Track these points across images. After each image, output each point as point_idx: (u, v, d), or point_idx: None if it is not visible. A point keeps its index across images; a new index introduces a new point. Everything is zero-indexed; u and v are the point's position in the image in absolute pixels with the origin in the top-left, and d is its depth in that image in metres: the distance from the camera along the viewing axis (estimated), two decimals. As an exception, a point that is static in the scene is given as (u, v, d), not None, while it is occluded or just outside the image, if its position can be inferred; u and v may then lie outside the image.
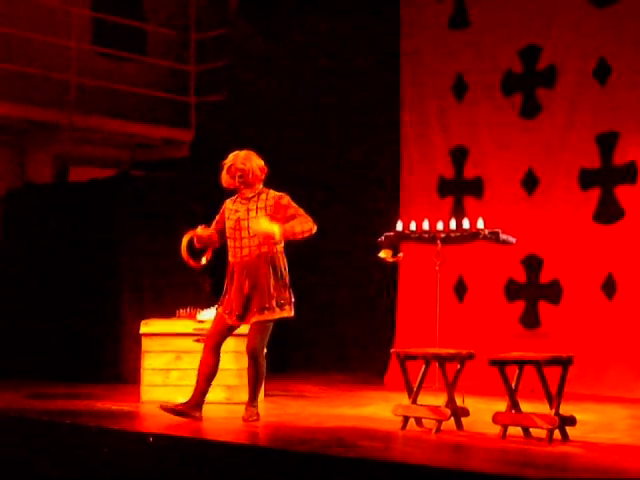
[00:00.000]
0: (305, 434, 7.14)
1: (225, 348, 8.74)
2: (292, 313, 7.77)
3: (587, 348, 9.64)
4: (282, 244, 7.78)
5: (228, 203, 7.97)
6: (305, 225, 7.66)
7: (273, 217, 7.68)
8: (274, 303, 7.66)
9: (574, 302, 10.04)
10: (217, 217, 8.02)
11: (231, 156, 7.88)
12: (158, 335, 9.01)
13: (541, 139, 10.33)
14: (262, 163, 7.88)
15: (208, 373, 7.81)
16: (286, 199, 7.79)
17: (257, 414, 7.72)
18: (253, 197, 7.81)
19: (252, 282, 7.69)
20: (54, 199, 11.78)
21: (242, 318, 7.76)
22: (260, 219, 7.65)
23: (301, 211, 7.74)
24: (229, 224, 7.84)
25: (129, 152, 13.99)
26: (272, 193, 7.84)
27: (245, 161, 7.81)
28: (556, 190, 10.22)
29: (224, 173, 7.85)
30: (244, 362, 8.00)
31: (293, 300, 7.78)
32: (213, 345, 7.82)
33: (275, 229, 7.57)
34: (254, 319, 7.69)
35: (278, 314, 7.69)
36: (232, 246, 7.82)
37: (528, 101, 10.45)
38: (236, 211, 7.84)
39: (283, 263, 7.77)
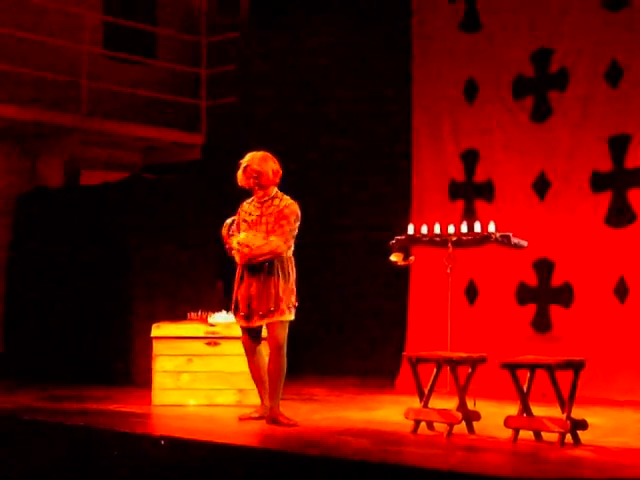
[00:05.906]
0: (316, 437, 7.14)
1: (236, 351, 8.78)
2: (292, 317, 7.84)
3: (599, 352, 9.61)
4: (291, 250, 7.82)
5: (244, 205, 8.01)
6: (265, 247, 7.68)
7: (277, 221, 7.77)
8: (283, 305, 7.73)
9: (586, 305, 10.01)
10: (236, 219, 8.02)
11: (248, 156, 7.92)
12: (169, 338, 9.03)
13: (552, 142, 10.30)
14: (277, 166, 7.93)
15: (255, 377, 8.01)
16: (289, 210, 7.79)
17: (274, 415, 7.72)
18: (266, 201, 7.87)
19: (259, 284, 7.74)
20: (65, 203, 11.79)
21: (248, 318, 7.82)
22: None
23: (286, 229, 7.72)
24: (243, 227, 7.89)
25: (140, 155, 14.01)
26: (286, 200, 7.87)
27: (261, 163, 7.85)
28: (568, 193, 10.19)
29: (240, 172, 7.90)
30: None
31: (296, 304, 7.86)
32: (247, 349, 7.98)
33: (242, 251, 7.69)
34: (258, 322, 7.80)
35: (286, 316, 7.76)
36: None
37: (539, 104, 10.42)
38: (250, 214, 7.91)
39: (292, 268, 7.83)
